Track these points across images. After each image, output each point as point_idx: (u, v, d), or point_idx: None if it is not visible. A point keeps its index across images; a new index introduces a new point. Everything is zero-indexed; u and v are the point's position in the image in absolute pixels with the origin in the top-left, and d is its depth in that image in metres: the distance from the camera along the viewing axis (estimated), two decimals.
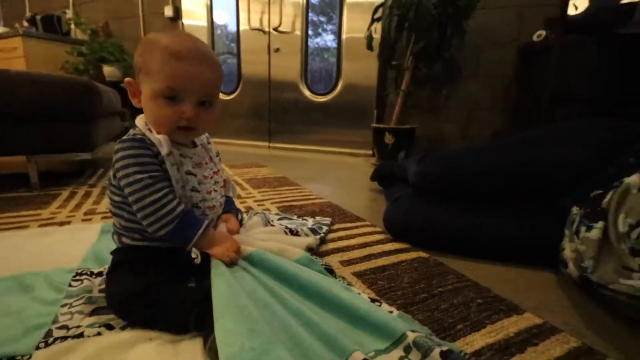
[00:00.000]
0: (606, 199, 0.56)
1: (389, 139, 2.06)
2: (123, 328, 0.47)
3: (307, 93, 2.57)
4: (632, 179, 0.54)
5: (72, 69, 2.86)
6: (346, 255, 0.75)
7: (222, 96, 2.73)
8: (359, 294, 0.55)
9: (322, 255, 0.74)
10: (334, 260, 0.72)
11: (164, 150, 0.50)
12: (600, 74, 1.33)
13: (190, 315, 0.45)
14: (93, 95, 1.19)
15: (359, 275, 0.66)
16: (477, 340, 0.48)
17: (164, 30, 2.90)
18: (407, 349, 0.41)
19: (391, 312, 0.51)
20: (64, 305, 0.52)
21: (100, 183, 1.35)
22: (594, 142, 0.68)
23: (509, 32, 1.92)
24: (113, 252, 0.55)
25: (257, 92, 2.70)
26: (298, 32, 2.48)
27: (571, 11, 1.62)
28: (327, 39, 2.54)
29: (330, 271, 0.60)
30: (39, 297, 0.54)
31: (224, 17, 2.83)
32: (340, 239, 0.84)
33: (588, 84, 1.35)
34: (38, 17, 3.29)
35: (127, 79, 0.54)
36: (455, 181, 0.80)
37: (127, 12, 3.13)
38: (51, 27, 3.25)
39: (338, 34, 2.41)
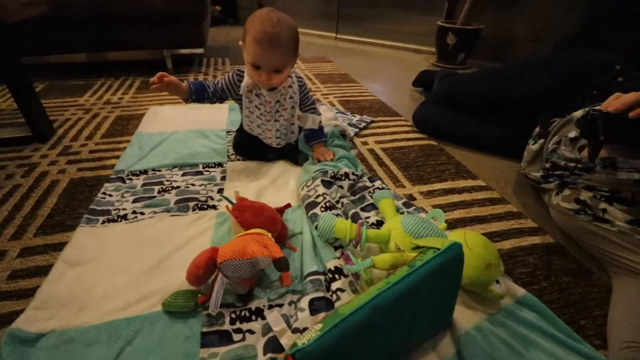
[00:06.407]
0: (553, 125, 0.82)
1: (451, 39, 2.12)
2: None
3: None
4: (576, 113, 0.78)
5: None
6: (379, 138, 1.14)
7: None
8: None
9: (365, 136, 1.15)
10: (370, 140, 1.12)
11: (241, 91, 0.82)
12: None
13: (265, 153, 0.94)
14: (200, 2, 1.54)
15: (384, 150, 1.07)
16: (437, 186, 0.89)
17: None
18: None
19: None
20: (228, 145, 1.03)
21: (210, 71, 1.82)
22: (565, 73, 0.88)
23: None
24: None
25: None
26: None
27: None
28: None
29: (343, 135, 1.06)
30: (214, 141, 1.06)
31: None
32: (379, 127, 1.23)
33: None
34: None
35: (240, 42, 0.78)
36: (456, 99, 1.10)
37: None
38: None
39: None
